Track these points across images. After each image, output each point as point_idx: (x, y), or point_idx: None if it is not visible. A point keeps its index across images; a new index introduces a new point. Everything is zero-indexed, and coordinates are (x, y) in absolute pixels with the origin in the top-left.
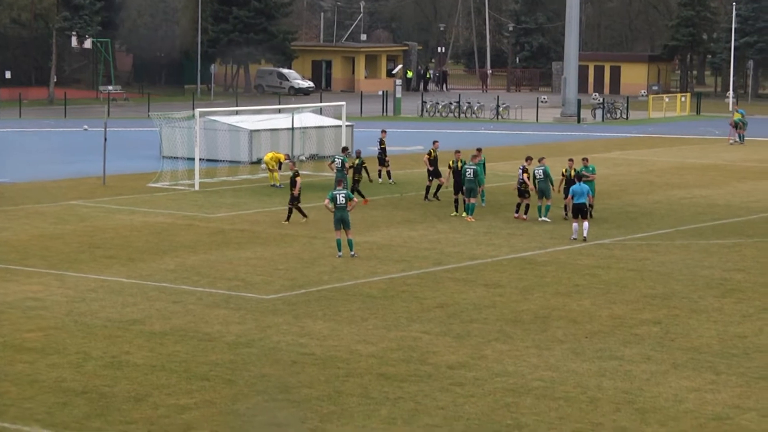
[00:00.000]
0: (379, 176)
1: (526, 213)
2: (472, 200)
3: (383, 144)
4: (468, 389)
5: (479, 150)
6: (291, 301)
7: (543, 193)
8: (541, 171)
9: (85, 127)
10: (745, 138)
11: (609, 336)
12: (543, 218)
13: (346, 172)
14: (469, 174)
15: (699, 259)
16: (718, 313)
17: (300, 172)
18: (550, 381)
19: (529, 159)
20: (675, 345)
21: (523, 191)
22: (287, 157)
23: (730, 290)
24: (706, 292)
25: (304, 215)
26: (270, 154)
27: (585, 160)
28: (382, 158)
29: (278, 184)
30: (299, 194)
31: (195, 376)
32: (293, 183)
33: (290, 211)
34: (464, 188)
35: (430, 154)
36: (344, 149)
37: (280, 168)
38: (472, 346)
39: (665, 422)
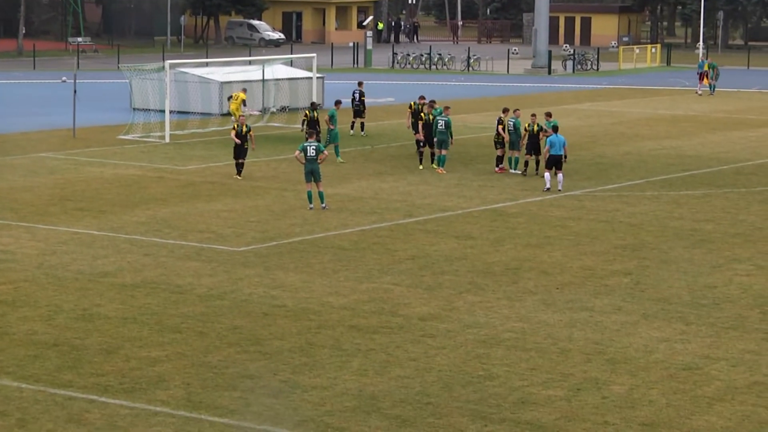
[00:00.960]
0: (351, 128)
1: (503, 164)
2: (444, 152)
3: (363, 96)
4: (439, 341)
5: (432, 102)
6: (262, 253)
7: (513, 145)
8: (511, 123)
9: (64, 78)
10: (716, 88)
11: (580, 287)
12: (513, 171)
13: (331, 127)
14: (441, 126)
15: (669, 210)
16: (688, 264)
17: (272, 124)
18: (521, 332)
19: (505, 110)
20: (645, 296)
21: (497, 142)
22: (244, 91)
23: (699, 241)
24: (676, 242)
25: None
26: (234, 104)
27: (548, 115)
28: (360, 110)
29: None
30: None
31: (166, 328)
32: (248, 138)
33: (242, 165)
34: (435, 140)
35: (410, 107)
36: (337, 102)
37: (245, 105)
38: (444, 298)
39: (635, 372)
